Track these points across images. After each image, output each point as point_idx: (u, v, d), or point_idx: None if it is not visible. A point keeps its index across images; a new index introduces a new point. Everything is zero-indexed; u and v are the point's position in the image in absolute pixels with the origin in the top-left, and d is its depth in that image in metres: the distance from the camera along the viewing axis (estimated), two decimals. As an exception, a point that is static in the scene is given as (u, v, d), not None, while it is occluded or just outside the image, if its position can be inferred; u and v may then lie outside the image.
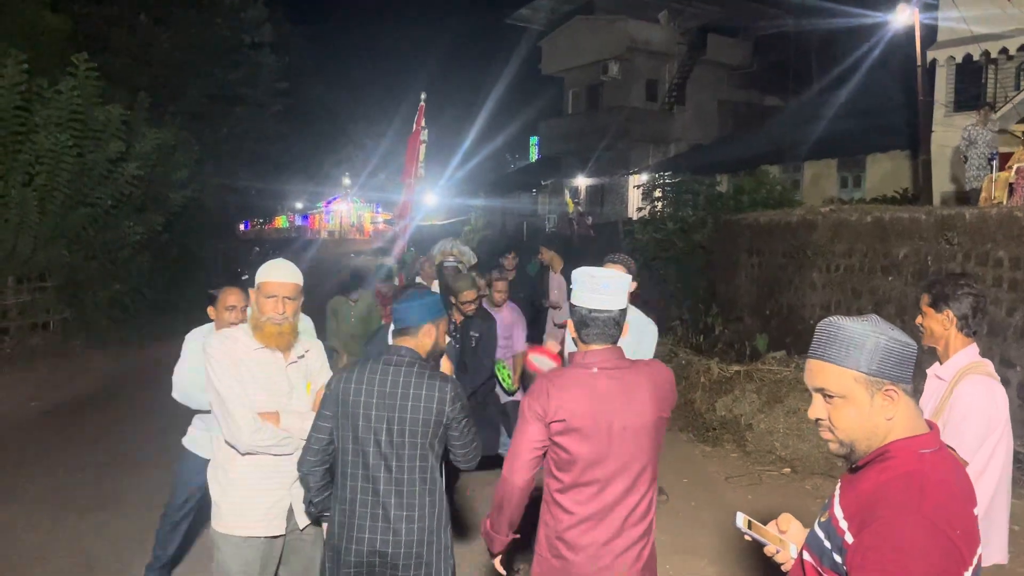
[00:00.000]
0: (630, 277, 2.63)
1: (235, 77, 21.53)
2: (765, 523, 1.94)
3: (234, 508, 2.95)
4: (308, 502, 2.91)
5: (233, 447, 2.92)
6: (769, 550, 1.90)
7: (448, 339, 3.30)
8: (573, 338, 2.58)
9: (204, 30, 19.97)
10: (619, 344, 2.56)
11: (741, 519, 1.93)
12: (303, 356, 3.11)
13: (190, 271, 16.78)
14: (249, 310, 3.05)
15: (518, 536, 2.67)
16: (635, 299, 4.77)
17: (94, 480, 6.21)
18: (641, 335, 4.56)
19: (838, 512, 1.59)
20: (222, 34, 20.79)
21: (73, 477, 6.29)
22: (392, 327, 2.90)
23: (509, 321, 6.20)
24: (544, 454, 2.48)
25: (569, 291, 4.51)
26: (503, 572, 2.76)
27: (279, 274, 3.00)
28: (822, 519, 1.68)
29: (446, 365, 3.11)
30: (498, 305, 6.25)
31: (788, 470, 6.26)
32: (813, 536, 1.67)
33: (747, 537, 1.92)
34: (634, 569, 2.49)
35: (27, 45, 12.68)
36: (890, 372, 1.55)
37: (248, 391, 2.90)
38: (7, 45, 12.07)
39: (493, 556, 2.72)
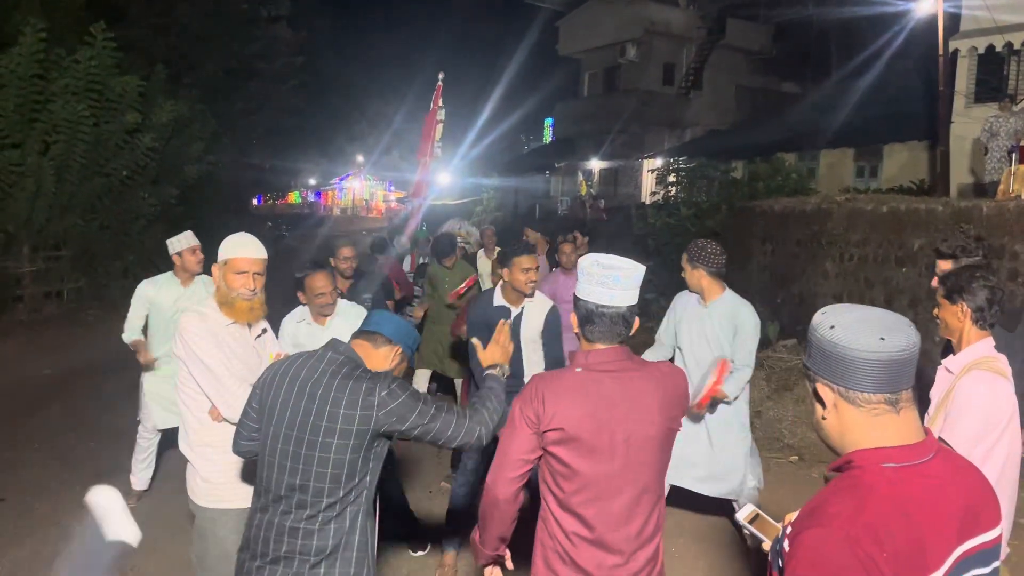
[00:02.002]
0: (644, 269, 2.28)
1: (251, 51, 21.52)
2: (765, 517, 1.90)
3: (232, 483, 2.93)
4: None
5: (232, 423, 2.82)
6: (766, 547, 1.82)
7: None
8: (576, 334, 2.29)
9: (222, 2, 19.93)
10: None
11: (747, 511, 1.86)
12: (265, 331, 3.14)
13: (204, 245, 16.86)
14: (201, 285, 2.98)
15: (507, 552, 2.39)
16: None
17: (105, 447, 6.27)
18: (739, 327, 4.20)
19: (794, 517, 1.54)
20: (240, 7, 20.75)
21: (85, 444, 6.37)
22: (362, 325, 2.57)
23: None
24: (533, 466, 2.20)
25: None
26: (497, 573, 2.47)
27: (249, 250, 2.96)
28: (785, 525, 1.63)
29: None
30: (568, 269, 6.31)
31: (796, 458, 6.27)
32: (775, 540, 1.63)
33: (745, 532, 1.86)
34: None
35: (45, 14, 12.70)
36: (822, 371, 1.49)
37: (233, 365, 2.87)
38: (25, 13, 12.09)
39: (480, 566, 2.46)
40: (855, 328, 1.43)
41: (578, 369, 2.20)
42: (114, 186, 13.32)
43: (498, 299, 4.36)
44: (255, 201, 36.68)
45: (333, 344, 2.41)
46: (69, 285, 12.96)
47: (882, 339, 1.41)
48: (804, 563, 1.36)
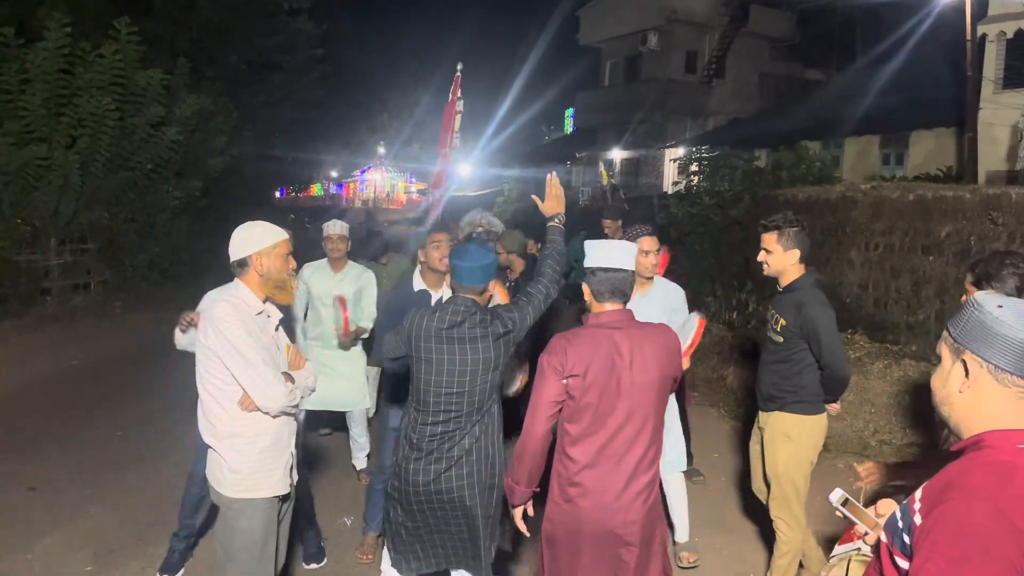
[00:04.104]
0: (636, 247, 2.88)
1: (273, 43, 21.58)
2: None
3: (260, 473, 2.94)
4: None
5: (265, 411, 2.88)
6: (859, 530, 1.93)
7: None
8: (588, 301, 2.77)
9: (243, -5, 20.01)
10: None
11: (838, 496, 1.97)
12: (280, 323, 3.16)
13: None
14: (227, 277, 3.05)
15: (538, 490, 2.79)
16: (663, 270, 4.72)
17: (133, 438, 6.36)
18: (672, 312, 4.37)
19: (918, 494, 1.55)
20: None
21: (113, 434, 6.45)
22: (452, 279, 3.10)
23: None
24: (560, 407, 2.66)
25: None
26: (522, 525, 2.85)
27: (284, 232, 3.04)
28: (905, 501, 1.64)
29: (502, 293, 3.70)
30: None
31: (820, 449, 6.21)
32: (891, 517, 1.64)
33: (838, 513, 1.97)
34: (641, 512, 2.67)
35: (70, 8, 12.83)
36: (977, 346, 1.49)
37: (261, 355, 2.86)
38: (51, 9, 12.22)
39: (513, 508, 2.86)
40: None
41: (590, 326, 2.71)
42: (139, 179, 13.43)
43: (418, 283, 4.33)
44: (277, 193, 36.84)
45: (454, 299, 3.03)
46: (96, 278, 13.11)
47: None
48: (948, 533, 1.37)
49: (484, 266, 3.02)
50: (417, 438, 3.03)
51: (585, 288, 2.75)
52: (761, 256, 3.77)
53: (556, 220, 3.32)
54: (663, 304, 4.35)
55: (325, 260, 5.37)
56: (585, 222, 9.79)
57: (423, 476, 2.99)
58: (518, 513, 2.86)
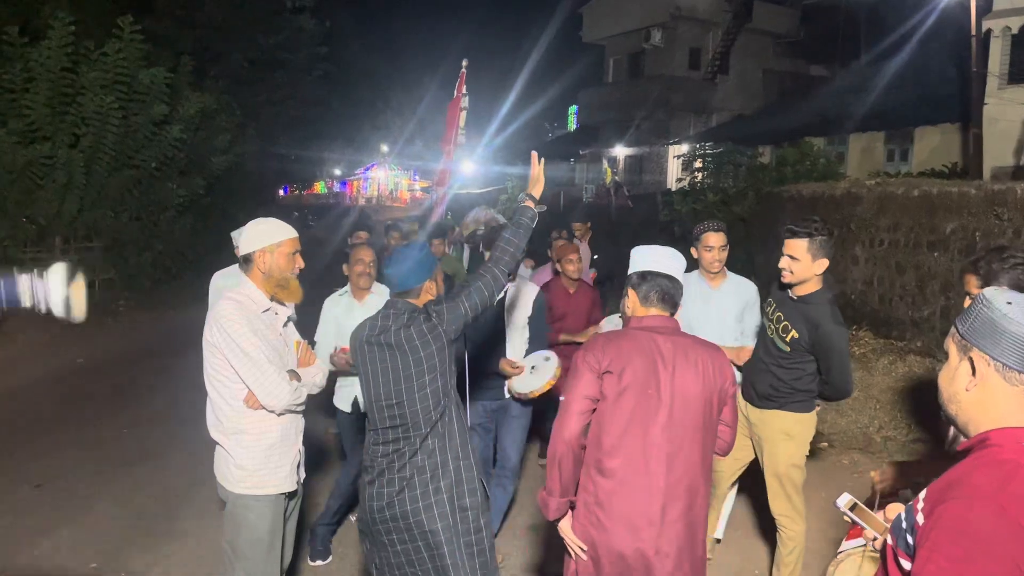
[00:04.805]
0: (684, 258, 2.67)
1: (276, 41, 21.60)
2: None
3: (266, 469, 2.95)
4: None
5: (269, 410, 2.89)
6: (868, 535, 1.92)
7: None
8: (630, 307, 2.61)
9: (246, -7, 20.04)
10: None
11: (846, 500, 1.95)
12: (289, 319, 3.15)
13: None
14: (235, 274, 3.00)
15: (575, 499, 2.54)
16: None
17: (138, 436, 6.37)
18: (747, 306, 4.31)
19: (922, 494, 1.53)
20: (263, -3, 20.86)
21: (118, 432, 6.46)
22: (390, 288, 2.91)
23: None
24: (595, 407, 2.45)
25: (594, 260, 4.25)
26: (574, 543, 2.52)
27: (292, 230, 3.02)
28: (911, 502, 1.62)
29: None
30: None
31: (826, 444, 6.20)
32: (896, 519, 1.61)
33: (846, 518, 1.96)
34: (676, 543, 2.40)
35: (74, 7, 12.84)
36: (985, 343, 1.46)
37: (266, 353, 2.86)
38: (54, 7, 12.23)
39: (555, 523, 2.59)
40: None
41: (632, 328, 2.54)
42: (143, 178, 13.45)
43: None
44: (281, 191, 36.90)
45: (390, 302, 2.84)
46: (100, 276, 13.13)
47: None
48: (949, 533, 1.35)
49: (411, 266, 2.80)
50: (369, 459, 2.82)
51: (630, 293, 2.59)
52: (785, 263, 3.47)
53: (529, 200, 2.99)
54: (738, 297, 4.29)
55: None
56: (589, 220, 9.77)
57: (376, 500, 2.74)
58: (563, 529, 2.55)
